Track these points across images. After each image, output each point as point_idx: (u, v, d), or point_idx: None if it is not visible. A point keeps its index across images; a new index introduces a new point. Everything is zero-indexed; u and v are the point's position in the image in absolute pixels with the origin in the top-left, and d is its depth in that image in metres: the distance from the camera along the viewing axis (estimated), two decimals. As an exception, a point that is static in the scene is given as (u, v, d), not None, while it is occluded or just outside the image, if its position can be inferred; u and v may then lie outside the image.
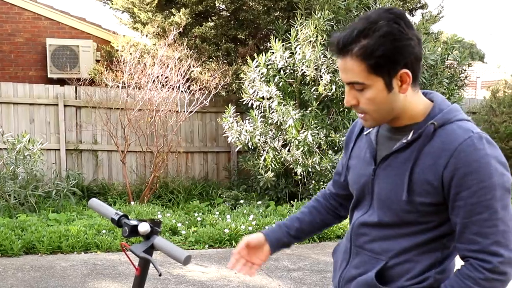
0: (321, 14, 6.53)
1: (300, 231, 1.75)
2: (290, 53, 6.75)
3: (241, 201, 7.20)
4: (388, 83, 1.33)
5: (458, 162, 1.30)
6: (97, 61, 9.14)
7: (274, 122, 6.96)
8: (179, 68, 7.13)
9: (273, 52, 6.87)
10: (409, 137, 1.39)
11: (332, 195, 1.78)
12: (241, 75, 7.39)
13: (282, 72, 6.90)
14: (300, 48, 6.64)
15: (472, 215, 1.31)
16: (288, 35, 6.93)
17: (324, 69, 6.53)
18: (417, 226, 1.41)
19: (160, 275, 1.48)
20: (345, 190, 1.71)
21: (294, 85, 6.93)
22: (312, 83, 6.71)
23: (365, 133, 1.57)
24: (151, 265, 1.60)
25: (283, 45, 6.82)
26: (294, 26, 6.81)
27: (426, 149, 1.36)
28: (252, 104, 7.18)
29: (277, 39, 6.89)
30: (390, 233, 1.45)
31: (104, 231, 5.69)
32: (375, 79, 1.33)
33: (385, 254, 1.45)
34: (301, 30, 6.67)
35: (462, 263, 1.37)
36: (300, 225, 1.75)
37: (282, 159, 6.90)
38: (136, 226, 1.58)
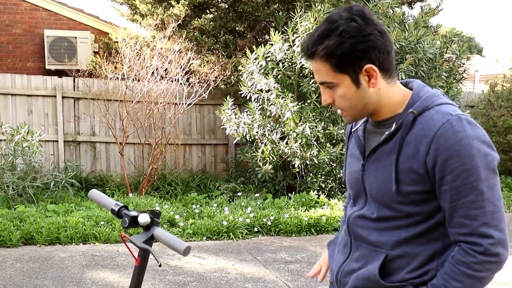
0: (321, 7, 6.53)
1: None
2: (289, 45, 6.74)
3: (239, 194, 7.22)
4: (355, 79, 1.38)
5: (438, 147, 1.31)
6: (95, 52, 9.12)
7: (272, 115, 6.97)
8: (178, 60, 7.12)
9: (272, 44, 6.86)
10: (391, 129, 1.41)
11: None
12: (240, 68, 7.38)
13: (280, 64, 6.89)
14: (299, 41, 6.64)
15: (458, 199, 1.31)
16: (287, 27, 6.92)
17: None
18: (413, 217, 1.41)
19: (160, 265, 1.49)
20: None
21: (292, 77, 6.93)
22: (311, 76, 6.71)
23: (353, 129, 1.60)
24: (150, 256, 1.61)
25: (282, 37, 6.81)
26: (293, 18, 6.79)
27: (408, 138, 1.37)
28: (250, 97, 7.18)
29: (276, 31, 6.88)
30: (387, 225, 1.45)
31: (102, 223, 5.71)
32: (341, 77, 1.38)
33: (385, 247, 1.45)
34: (301, 23, 6.66)
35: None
36: None
37: (280, 151, 6.91)
38: (136, 217, 1.59)
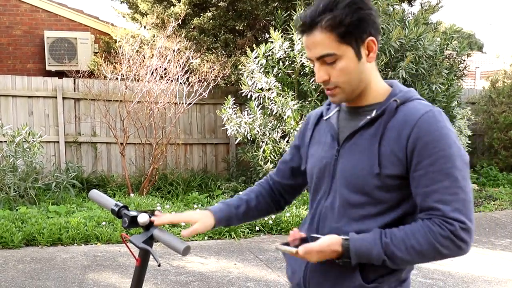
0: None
1: (245, 215, 1.75)
2: (291, 44, 6.73)
3: (240, 193, 7.21)
4: (357, 52, 1.39)
5: (420, 131, 1.35)
6: (95, 53, 9.12)
7: (273, 113, 6.96)
8: (178, 59, 7.12)
9: (272, 42, 6.85)
10: (373, 114, 1.43)
11: (276, 184, 1.79)
12: (240, 67, 7.37)
13: (281, 63, 6.88)
14: (300, 39, 6.63)
15: (433, 183, 1.33)
16: (286, 26, 6.91)
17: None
18: (381, 204, 1.41)
19: (159, 265, 1.49)
20: (289, 179, 1.75)
21: (293, 76, 6.93)
22: (311, 74, 6.70)
23: (325, 118, 1.61)
24: (151, 256, 1.61)
25: (282, 35, 6.80)
26: (294, 16, 6.78)
27: (390, 123, 1.40)
28: (251, 96, 7.17)
29: (276, 30, 6.87)
30: (355, 215, 1.43)
31: (104, 223, 5.71)
32: (345, 48, 1.38)
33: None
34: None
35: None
36: (246, 209, 1.75)
37: (281, 150, 6.91)
38: (136, 217, 1.59)
